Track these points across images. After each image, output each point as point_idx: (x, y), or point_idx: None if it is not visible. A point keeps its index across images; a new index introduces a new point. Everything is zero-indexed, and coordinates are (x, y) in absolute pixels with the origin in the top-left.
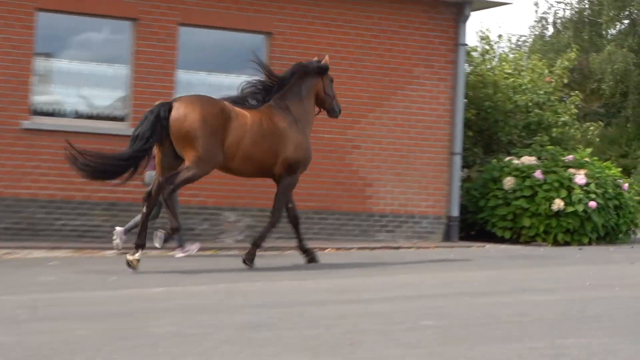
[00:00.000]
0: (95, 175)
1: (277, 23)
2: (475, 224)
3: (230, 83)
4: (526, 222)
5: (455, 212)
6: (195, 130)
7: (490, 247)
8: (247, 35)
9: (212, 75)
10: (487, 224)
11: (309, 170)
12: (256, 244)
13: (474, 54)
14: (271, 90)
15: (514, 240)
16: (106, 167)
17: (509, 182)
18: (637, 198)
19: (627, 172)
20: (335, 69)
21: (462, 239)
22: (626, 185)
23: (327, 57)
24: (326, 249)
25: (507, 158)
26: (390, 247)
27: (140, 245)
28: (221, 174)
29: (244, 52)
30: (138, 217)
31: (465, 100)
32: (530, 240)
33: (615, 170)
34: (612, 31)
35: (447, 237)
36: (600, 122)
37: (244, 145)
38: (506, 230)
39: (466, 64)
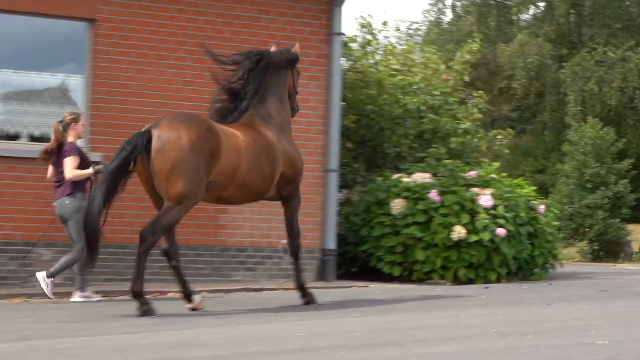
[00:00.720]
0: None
1: (101, 7)
2: (356, 258)
3: (43, 84)
4: (420, 255)
5: (332, 244)
6: (183, 162)
7: (375, 286)
8: (63, 23)
9: (19, 74)
10: (372, 258)
11: (142, 194)
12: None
13: (353, 45)
14: (240, 94)
15: (405, 277)
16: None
17: (397, 205)
18: (555, 224)
19: (544, 190)
20: (177, 67)
21: (340, 277)
22: (542, 207)
23: (297, 46)
24: (167, 292)
25: (396, 175)
26: (250, 289)
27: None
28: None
29: (61, 44)
30: (63, 260)
31: (343, 103)
32: (424, 278)
33: (529, 189)
34: (525, 17)
35: (321, 275)
36: (511, 130)
37: (241, 172)
38: (395, 265)
39: (343, 59)
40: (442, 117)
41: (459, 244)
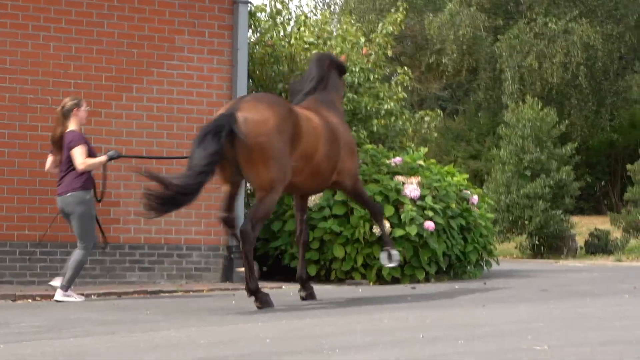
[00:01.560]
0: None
1: None
2: (267, 255)
3: None
4: (338, 252)
5: None
6: (271, 147)
7: (288, 287)
8: None
9: None
10: (285, 255)
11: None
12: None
13: (261, 15)
14: (304, 80)
15: (323, 277)
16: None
17: (313, 196)
18: (490, 216)
19: (478, 179)
20: (57, 40)
21: None
22: (476, 197)
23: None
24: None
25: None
26: (146, 292)
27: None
28: None
29: None
30: (71, 264)
31: (250, 81)
32: (344, 277)
33: (461, 178)
34: None
35: (227, 275)
36: (441, 111)
37: (317, 157)
38: (311, 263)
39: (250, 31)
40: (363, 96)
41: (382, 239)
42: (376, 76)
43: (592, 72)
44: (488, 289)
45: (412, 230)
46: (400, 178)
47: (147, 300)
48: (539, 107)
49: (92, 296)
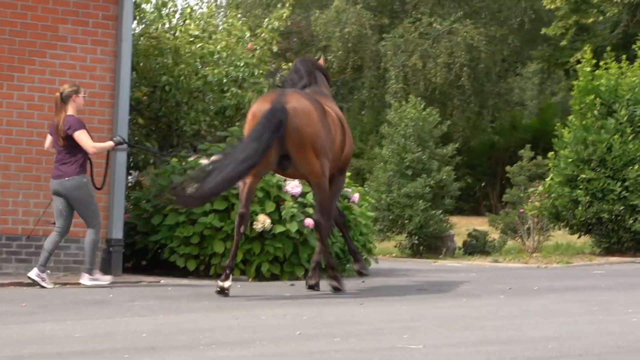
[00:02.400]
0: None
1: None
2: (147, 249)
3: None
4: (218, 247)
5: (118, 233)
6: (320, 136)
7: (168, 282)
8: None
9: None
10: (164, 250)
11: None
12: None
13: (146, 7)
14: (294, 75)
15: (202, 272)
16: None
17: None
18: (371, 214)
19: (360, 177)
20: None
21: (127, 271)
22: (357, 195)
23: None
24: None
25: (193, 156)
26: (22, 284)
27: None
28: None
29: None
30: (88, 247)
31: (134, 73)
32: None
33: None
34: None
35: (106, 268)
36: None
37: (336, 146)
38: (191, 258)
39: (135, 22)
40: (247, 91)
41: (262, 236)
42: (261, 71)
43: (475, 74)
44: (366, 287)
45: (293, 227)
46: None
47: (23, 292)
48: (422, 106)
49: None
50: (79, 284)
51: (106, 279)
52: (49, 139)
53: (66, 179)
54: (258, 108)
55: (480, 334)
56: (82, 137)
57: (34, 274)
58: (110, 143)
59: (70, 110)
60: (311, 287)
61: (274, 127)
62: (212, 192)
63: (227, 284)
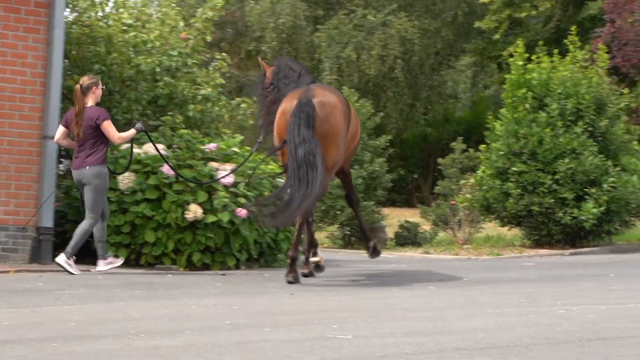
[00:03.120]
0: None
1: None
2: None
3: None
4: (149, 236)
5: (49, 221)
6: (341, 130)
7: (97, 270)
8: None
9: None
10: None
11: None
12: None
13: None
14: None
15: (133, 261)
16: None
17: (126, 179)
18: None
19: None
20: None
21: None
22: None
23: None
24: None
25: (125, 146)
26: None
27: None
28: None
29: None
30: (78, 233)
31: (66, 61)
32: (154, 262)
33: (275, 166)
34: None
35: (36, 256)
36: (255, 98)
37: (349, 137)
38: (122, 247)
39: (67, 10)
40: (180, 81)
41: (194, 225)
42: (194, 61)
43: (409, 66)
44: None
45: (225, 216)
46: (214, 164)
47: None
48: (356, 98)
49: None
50: (8, 271)
51: (75, 270)
52: (61, 130)
53: (87, 167)
54: (287, 105)
55: (409, 325)
56: (110, 128)
57: (61, 259)
58: (132, 131)
59: (90, 101)
60: (290, 282)
61: (305, 122)
62: (300, 213)
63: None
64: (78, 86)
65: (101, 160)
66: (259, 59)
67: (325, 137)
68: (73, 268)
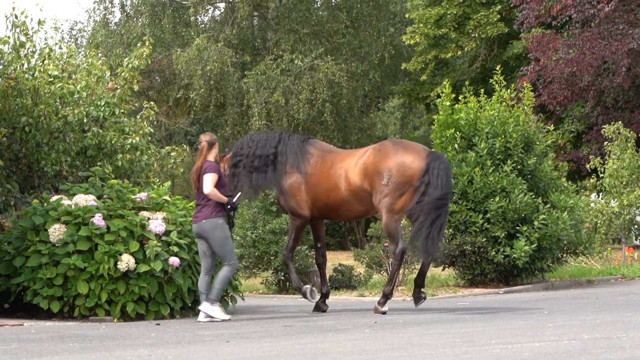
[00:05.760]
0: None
1: None
2: (9, 292)
3: None
4: (82, 288)
5: None
6: None
7: (31, 325)
8: None
9: None
10: (27, 292)
11: None
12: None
13: (4, 47)
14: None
15: (67, 314)
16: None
17: (57, 231)
18: (236, 251)
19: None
20: None
21: None
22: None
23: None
24: None
25: (55, 197)
26: None
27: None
28: None
29: None
30: (218, 282)
31: None
32: (88, 314)
33: None
34: (203, 19)
35: None
36: (186, 146)
37: None
38: (55, 300)
39: None
40: (108, 131)
41: (127, 275)
42: (122, 110)
43: (338, 109)
44: (233, 324)
45: (157, 265)
46: (145, 213)
47: None
48: None
49: None
50: None
51: (224, 316)
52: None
53: (203, 221)
54: (411, 158)
55: None
56: (208, 179)
57: (206, 307)
58: (224, 198)
59: (211, 156)
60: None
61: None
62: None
63: (385, 308)
64: (205, 143)
65: (215, 213)
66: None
67: None
68: (218, 313)
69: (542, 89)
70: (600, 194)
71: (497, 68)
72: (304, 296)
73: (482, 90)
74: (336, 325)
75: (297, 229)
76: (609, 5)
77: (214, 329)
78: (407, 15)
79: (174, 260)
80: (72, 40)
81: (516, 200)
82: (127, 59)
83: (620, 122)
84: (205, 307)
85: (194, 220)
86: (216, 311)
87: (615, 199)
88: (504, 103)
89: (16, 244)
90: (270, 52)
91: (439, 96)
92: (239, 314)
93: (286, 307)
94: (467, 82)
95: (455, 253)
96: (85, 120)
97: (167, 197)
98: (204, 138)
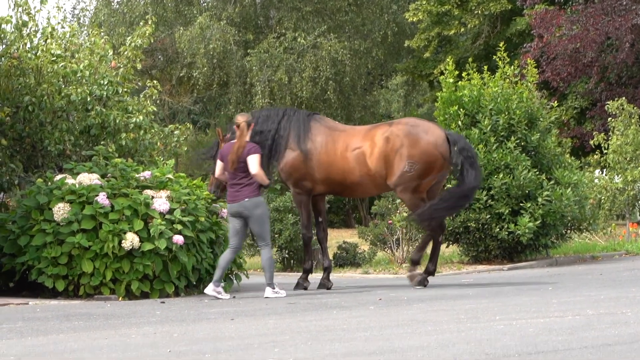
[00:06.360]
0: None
1: None
2: (14, 271)
3: None
4: (87, 266)
5: None
6: None
7: (36, 304)
8: None
9: None
10: (32, 271)
11: None
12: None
13: (7, 27)
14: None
15: (72, 292)
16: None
17: (61, 210)
18: None
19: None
20: None
21: None
22: (225, 211)
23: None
24: None
25: (59, 176)
26: None
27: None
28: None
29: None
30: (223, 262)
31: None
32: (93, 293)
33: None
34: None
35: None
36: (190, 125)
37: None
38: (59, 279)
39: None
40: (112, 110)
41: (131, 254)
42: (125, 89)
43: (341, 87)
44: (237, 302)
45: (161, 244)
46: (149, 192)
47: None
48: None
49: None
50: None
51: (282, 293)
52: (219, 165)
53: (246, 200)
54: (438, 137)
55: (350, 346)
56: (255, 159)
57: (210, 290)
58: (267, 180)
59: (247, 136)
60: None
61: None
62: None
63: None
64: (244, 123)
65: (257, 192)
66: (217, 129)
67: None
68: (279, 293)
69: (545, 66)
70: (604, 170)
71: (501, 45)
72: (301, 279)
73: (486, 67)
74: (341, 302)
75: (304, 205)
76: None
77: (219, 307)
78: None
79: (178, 239)
80: (75, 19)
81: (520, 177)
82: (129, 37)
83: (624, 98)
84: (268, 293)
85: (234, 200)
86: (278, 292)
87: (619, 175)
88: (508, 80)
89: (20, 223)
90: (273, 30)
91: (442, 73)
92: (243, 291)
93: (290, 284)
94: (470, 59)
95: (460, 230)
96: (88, 99)
97: (170, 176)
98: (242, 119)
